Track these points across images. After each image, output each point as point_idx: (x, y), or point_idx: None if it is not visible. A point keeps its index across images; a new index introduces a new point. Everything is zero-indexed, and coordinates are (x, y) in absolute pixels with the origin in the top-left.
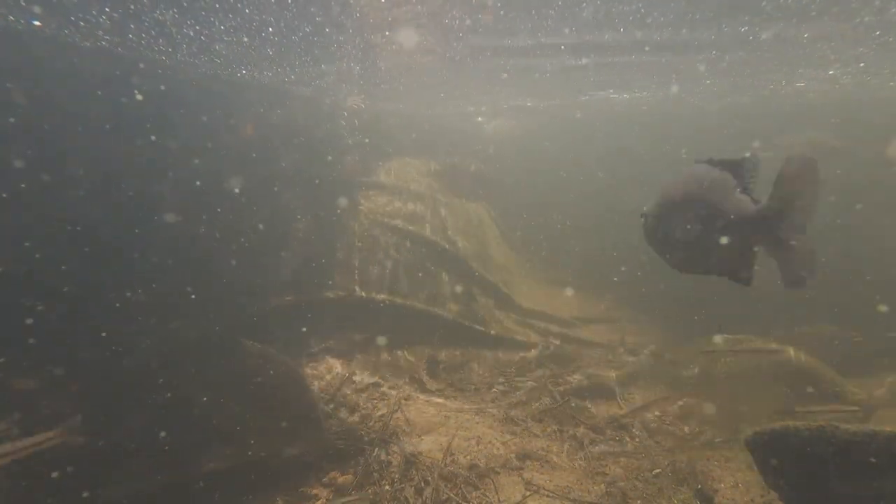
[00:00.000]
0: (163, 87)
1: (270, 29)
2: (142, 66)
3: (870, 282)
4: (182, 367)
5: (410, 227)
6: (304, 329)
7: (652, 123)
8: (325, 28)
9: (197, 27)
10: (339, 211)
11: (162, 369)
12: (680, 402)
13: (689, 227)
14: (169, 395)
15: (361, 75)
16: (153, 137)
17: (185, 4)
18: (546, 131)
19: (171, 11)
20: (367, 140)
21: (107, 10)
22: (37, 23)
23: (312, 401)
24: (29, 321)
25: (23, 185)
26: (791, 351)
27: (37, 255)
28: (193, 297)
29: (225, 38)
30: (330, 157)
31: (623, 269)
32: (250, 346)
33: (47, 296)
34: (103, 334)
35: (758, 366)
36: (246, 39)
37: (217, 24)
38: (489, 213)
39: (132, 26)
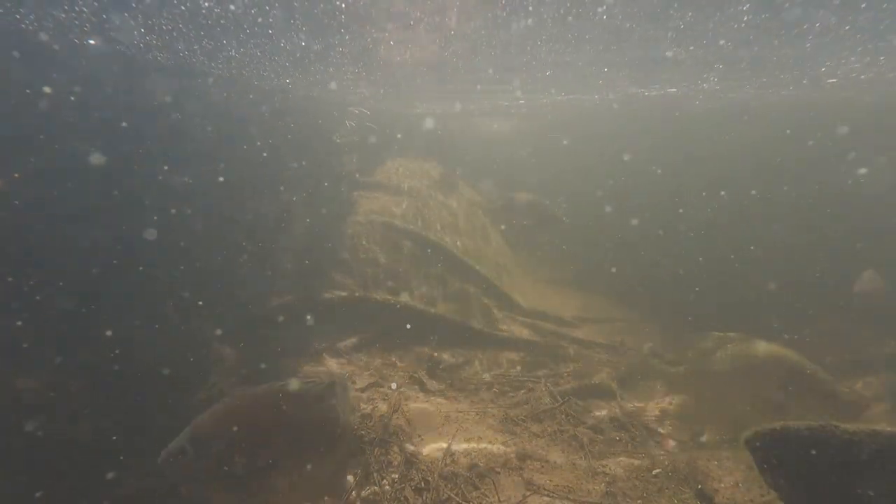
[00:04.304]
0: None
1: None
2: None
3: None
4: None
5: (410, 227)
6: (305, 329)
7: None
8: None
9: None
10: (338, 211)
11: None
12: (679, 401)
13: None
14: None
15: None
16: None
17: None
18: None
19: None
20: (369, 141)
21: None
22: (91, 41)
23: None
24: (31, 322)
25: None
26: (781, 350)
27: (45, 254)
28: (196, 297)
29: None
30: (332, 159)
31: (624, 269)
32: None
33: (50, 296)
34: (108, 335)
35: (750, 365)
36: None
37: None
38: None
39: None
